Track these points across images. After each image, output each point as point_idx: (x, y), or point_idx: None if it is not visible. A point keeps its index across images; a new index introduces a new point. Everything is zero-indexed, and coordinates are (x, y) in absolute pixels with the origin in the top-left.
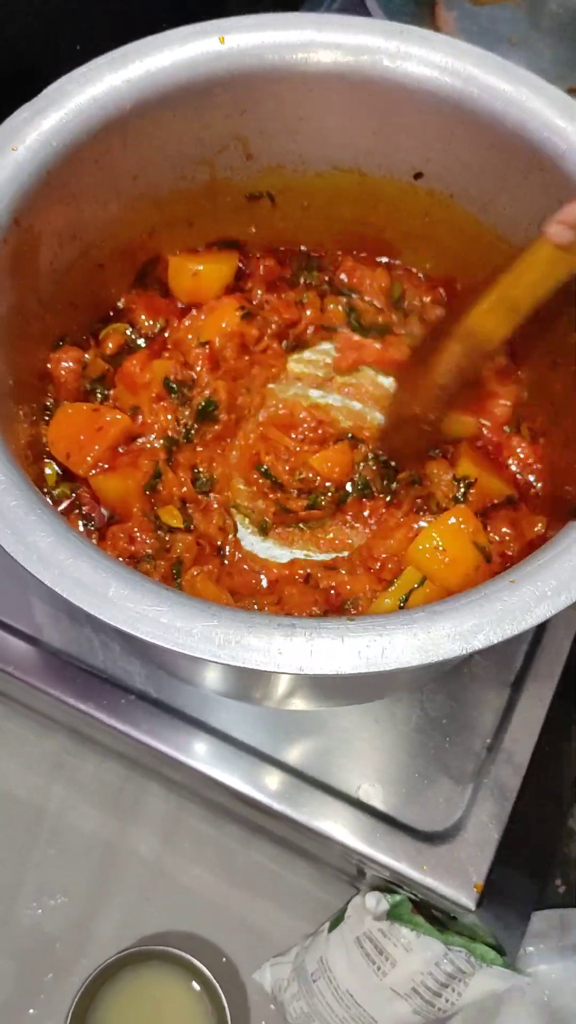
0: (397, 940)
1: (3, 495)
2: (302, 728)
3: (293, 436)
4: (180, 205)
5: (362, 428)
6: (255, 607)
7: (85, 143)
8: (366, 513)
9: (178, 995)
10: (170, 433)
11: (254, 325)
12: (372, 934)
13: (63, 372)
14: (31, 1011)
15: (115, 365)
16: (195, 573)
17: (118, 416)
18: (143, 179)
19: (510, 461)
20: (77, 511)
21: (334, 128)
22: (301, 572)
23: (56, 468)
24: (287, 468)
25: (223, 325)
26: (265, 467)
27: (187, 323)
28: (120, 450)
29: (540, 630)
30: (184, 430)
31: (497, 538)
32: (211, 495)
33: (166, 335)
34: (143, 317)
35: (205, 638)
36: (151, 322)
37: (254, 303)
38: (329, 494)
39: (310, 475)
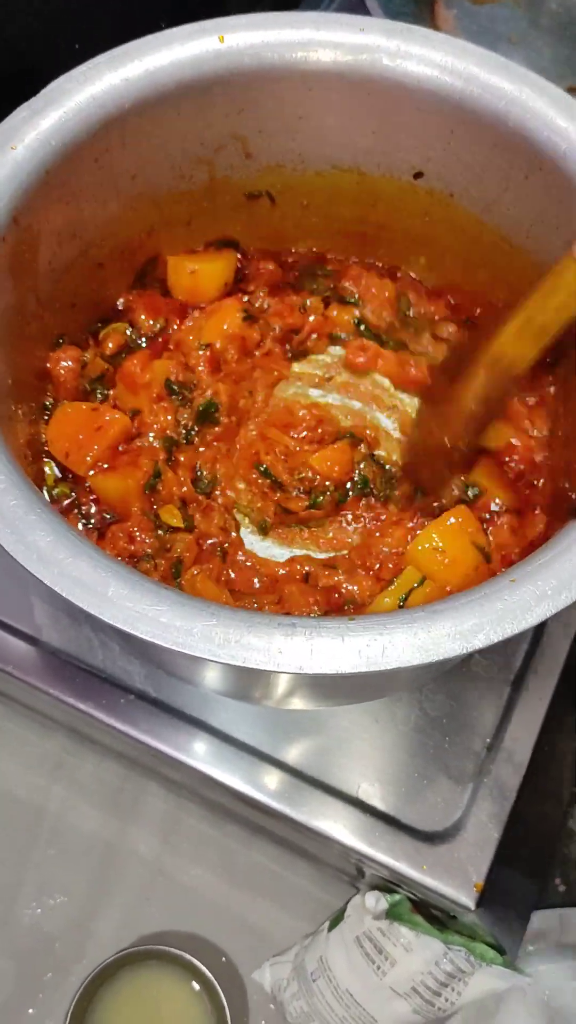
0: (397, 940)
1: (3, 494)
2: (302, 728)
3: (292, 435)
4: (179, 204)
5: (362, 427)
6: (255, 606)
7: (84, 142)
8: (365, 514)
9: (178, 995)
10: (170, 433)
11: (256, 328)
12: (372, 933)
13: (62, 372)
14: (30, 1011)
15: (115, 365)
16: (195, 572)
17: (117, 416)
18: (142, 178)
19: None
20: (76, 510)
21: (334, 127)
22: (300, 570)
23: (55, 467)
24: (286, 467)
25: (224, 327)
26: (264, 467)
27: (189, 324)
28: (120, 449)
29: (540, 629)
30: (184, 431)
31: (495, 539)
32: (215, 493)
33: (167, 335)
34: (143, 317)
35: (205, 637)
36: (151, 322)
37: (256, 306)
38: (328, 493)
39: (310, 474)
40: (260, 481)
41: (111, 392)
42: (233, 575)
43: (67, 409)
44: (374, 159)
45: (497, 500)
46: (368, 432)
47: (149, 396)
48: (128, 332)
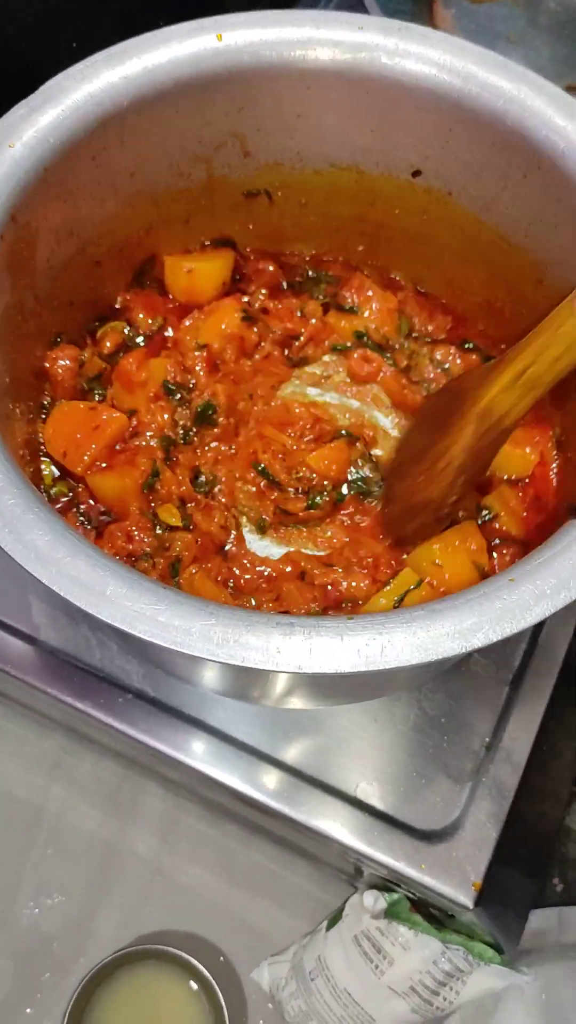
0: (395, 939)
1: (0, 493)
2: (301, 727)
3: (290, 433)
4: (177, 202)
5: (360, 426)
6: (252, 604)
7: (82, 140)
8: (363, 515)
9: (176, 994)
10: (168, 433)
11: (255, 330)
12: (370, 933)
13: (60, 370)
14: (28, 1010)
15: (112, 364)
16: (193, 571)
17: (115, 415)
18: (140, 176)
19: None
20: (74, 509)
21: (332, 126)
22: (296, 567)
23: (53, 467)
24: (284, 467)
25: (223, 327)
26: (263, 466)
27: (187, 323)
28: (117, 449)
29: (538, 629)
30: (183, 432)
31: (499, 566)
32: (216, 492)
33: (165, 334)
34: (141, 316)
35: (203, 637)
36: (150, 321)
37: (255, 307)
38: (327, 493)
39: (307, 474)
40: (257, 480)
41: (109, 391)
42: (231, 573)
43: (64, 408)
44: (372, 157)
45: (506, 527)
46: (366, 431)
47: (146, 395)
48: (126, 331)
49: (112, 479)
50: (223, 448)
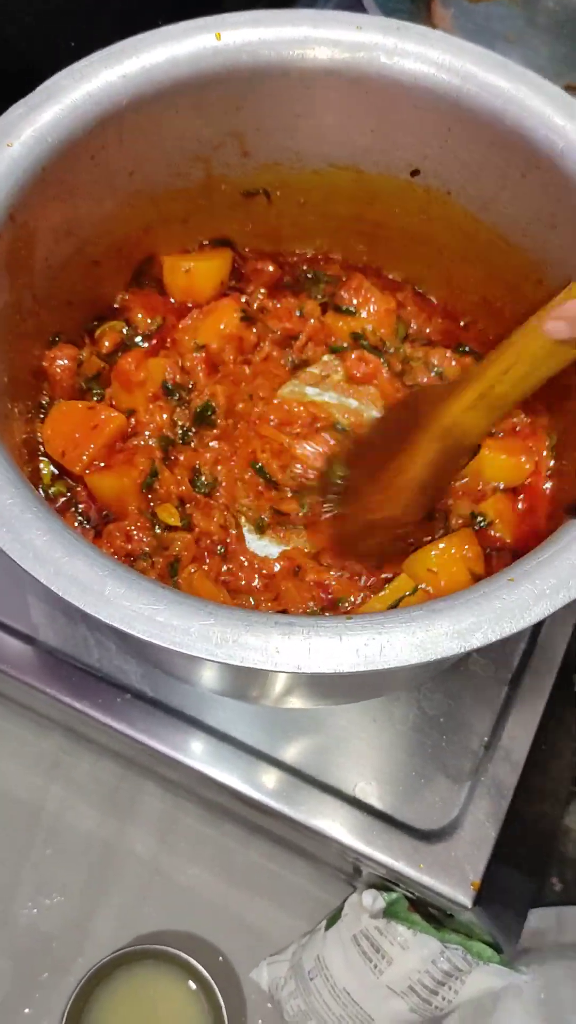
0: (394, 938)
1: None
2: (300, 727)
3: (288, 432)
4: (176, 201)
5: (359, 425)
6: (252, 603)
7: (80, 139)
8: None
9: (175, 994)
10: (166, 433)
11: (254, 330)
12: (369, 932)
13: (58, 370)
14: (27, 1010)
15: (111, 363)
16: (192, 571)
17: (113, 414)
18: (139, 175)
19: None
20: (73, 509)
21: (331, 125)
22: (291, 563)
23: (51, 466)
24: (280, 466)
25: (221, 326)
26: (260, 464)
27: (186, 323)
28: (116, 448)
29: (537, 628)
30: (182, 432)
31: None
32: (217, 492)
33: (164, 334)
34: (140, 315)
35: (202, 637)
36: (149, 320)
37: (255, 307)
38: (316, 493)
39: (300, 468)
40: (256, 480)
41: (107, 391)
42: (231, 573)
43: (63, 408)
44: (371, 157)
45: (500, 535)
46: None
47: (145, 395)
48: (124, 331)
49: (111, 479)
50: (222, 448)
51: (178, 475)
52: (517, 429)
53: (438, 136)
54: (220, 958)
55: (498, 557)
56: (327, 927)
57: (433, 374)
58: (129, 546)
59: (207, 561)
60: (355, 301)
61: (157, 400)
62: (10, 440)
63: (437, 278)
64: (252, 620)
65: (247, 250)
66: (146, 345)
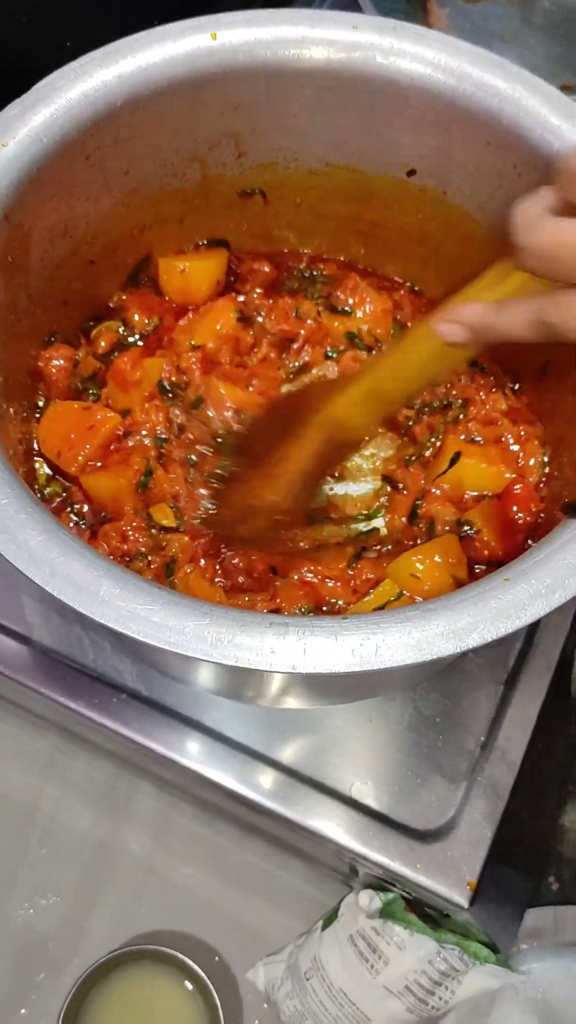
0: (390, 938)
1: None
2: (295, 727)
3: None
4: (172, 201)
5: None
6: (247, 600)
7: (76, 139)
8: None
9: (171, 994)
10: (161, 432)
11: (250, 331)
12: (365, 932)
13: (54, 370)
14: (23, 1011)
15: (107, 363)
16: (188, 571)
17: (109, 415)
18: (134, 175)
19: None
20: (68, 510)
21: (327, 125)
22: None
23: (47, 467)
24: None
25: (218, 326)
26: None
27: (182, 323)
28: (112, 448)
29: (533, 628)
30: (178, 431)
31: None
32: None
33: (161, 334)
34: (137, 316)
35: (197, 637)
36: (145, 320)
37: (251, 307)
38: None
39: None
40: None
41: (103, 391)
42: (227, 573)
43: (59, 408)
44: (367, 157)
45: (486, 538)
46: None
47: (140, 395)
48: (121, 331)
49: (106, 479)
50: None
51: (172, 473)
52: (503, 439)
53: (434, 136)
54: (216, 958)
55: (483, 564)
56: (323, 927)
57: None
58: (125, 546)
59: (202, 562)
60: (351, 301)
61: (153, 399)
62: (5, 440)
63: (433, 277)
64: (247, 620)
65: (244, 250)
66: (142, 344)
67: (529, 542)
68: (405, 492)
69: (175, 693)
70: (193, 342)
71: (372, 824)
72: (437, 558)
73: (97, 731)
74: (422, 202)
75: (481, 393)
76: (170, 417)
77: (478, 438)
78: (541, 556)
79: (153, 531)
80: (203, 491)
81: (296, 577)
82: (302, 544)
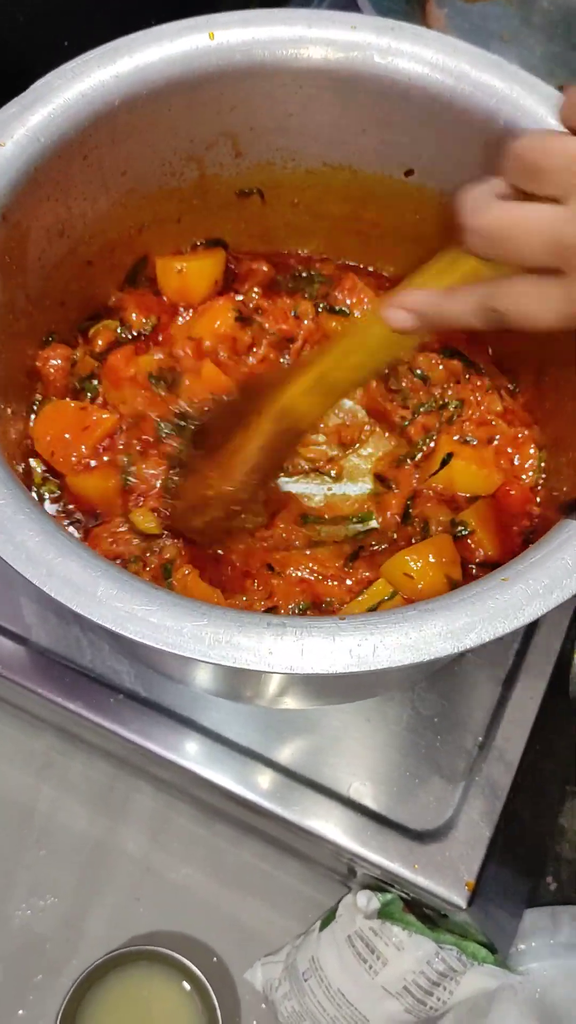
0: (388, 939)
1: None
2: (293, 727)
3: None
4: (169, 201)
5: (347, 426)
6: (244, 600)
7: (73, 139)
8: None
9: (168, 995)
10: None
11: (248, 331)
12: (363, 933)
13: (51, 370)
14: (20, 1012)
15: (103, 362)
16: (186, 572)
17: (105, 415)
18: (132, 175)
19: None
20: (64, 510)
21: (324, 125)
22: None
23: (42, 467)
24: None
25: (216, 325)
26: None
27: (181, 322)
28: (105, 447)
29: (531, 628)
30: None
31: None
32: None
33: (159, 333)
34: (135, 315)
35: (195, 637)
36: (143, 320)
37: (250, 307)
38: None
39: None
40: None
41: (100, 391)
42: (225, 572)
43: (54, 407)
44: (365, 157)
45: (480, 537)
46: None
47: (134, 389)
48: (118, 330)
49: (94, 480)
50: None
51: (152, 470)
52: (496, 441)
53: (432, 136)
54: (214, 959)
55: (477, 564)
56: (321, 928)
57: (416, 378)
58: (119, 548)
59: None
60: (349, 301)
61: (145, 390)
62: (3, 440)
63: None
64: (245, 621)
65: (241, 250)
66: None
67: (526, 543)
68: (397, 491)
69: (173, 693)
70: (191, 339)
71: (370, 824)
72: (431, 558)
73: (95, 731)
74: (420, 202)
75: (476, 394)
76: (155, 400)
77: (472, 439)
78: (539, 556)
79: (136, 541)
80: (157, 484)
81: (292, 574)
82: (295, 542)
